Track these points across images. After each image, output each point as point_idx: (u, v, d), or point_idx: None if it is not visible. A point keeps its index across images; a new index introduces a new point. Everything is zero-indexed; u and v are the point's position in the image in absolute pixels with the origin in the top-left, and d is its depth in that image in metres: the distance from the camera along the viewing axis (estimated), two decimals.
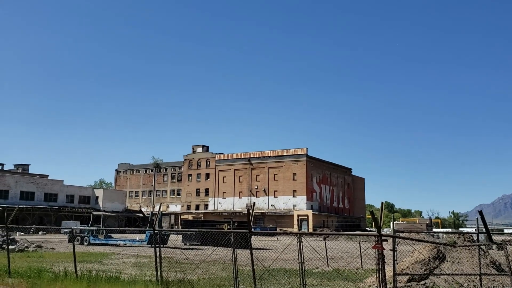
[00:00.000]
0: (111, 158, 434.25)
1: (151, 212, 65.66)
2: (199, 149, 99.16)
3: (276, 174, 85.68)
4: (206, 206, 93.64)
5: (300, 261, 10.35)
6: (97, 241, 36.33)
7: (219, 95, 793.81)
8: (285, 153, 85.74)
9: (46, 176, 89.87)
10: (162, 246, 13.40)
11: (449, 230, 71.88)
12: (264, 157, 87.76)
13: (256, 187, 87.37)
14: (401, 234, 20.23)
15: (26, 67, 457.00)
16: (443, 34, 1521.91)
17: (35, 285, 12.67)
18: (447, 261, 12.14)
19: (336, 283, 14.36)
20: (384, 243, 9.22)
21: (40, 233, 55.53)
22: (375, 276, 9.40)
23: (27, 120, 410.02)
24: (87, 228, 39.52)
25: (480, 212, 9.83)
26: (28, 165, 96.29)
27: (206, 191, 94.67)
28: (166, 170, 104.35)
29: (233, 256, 11.32)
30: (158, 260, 12.51)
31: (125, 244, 35.95)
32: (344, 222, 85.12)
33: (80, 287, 12.18)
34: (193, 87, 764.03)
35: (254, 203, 17.59)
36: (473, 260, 11.95)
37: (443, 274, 11.04)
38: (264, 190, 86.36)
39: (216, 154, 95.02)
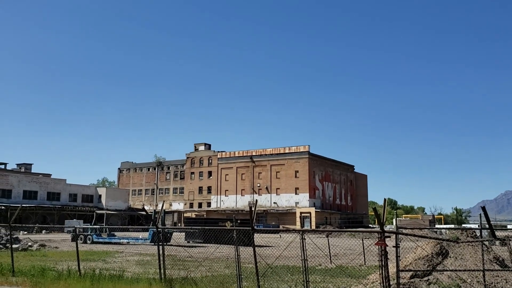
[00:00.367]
0: (113, 157, 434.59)
1: (154, 210, 65.90)
2: (201, 147, 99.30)
3: (279, 172, 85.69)
4: (209, 204, 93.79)
5: (303, 258, 10.35)
6: (100, 240, 36.42)
7: (221, 94, 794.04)
8: (287, 151, 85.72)
9: (49, 175, 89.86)
10: (165, 244, 13.42)
11: (452, 226, 71.72)
12: (266, 154, 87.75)
13: (258, 185, 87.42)
14: (404, 231, 20.23)
15: (28, 66, 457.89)
16: (443, 33, 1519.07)
17: (39, 284, 12.71)
18: (450, 257, 12.12)
19: (339, 279, 14.37)
20: (387, 239, 9.22)
21: (43, 232, 55.71)
22: (378, 273, 9.40)
23: (29, 119, 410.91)
24: (90, 226, 39.56)
25: (483, 208, 9.82)
26: (31, 164, 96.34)
27: (209, 189, 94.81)
28: (168, 168, 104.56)
29: (236, 254, 11.33)
30: (161, 258, 12.53)
31: (128, 243, 36.05)
32: (347, 219, 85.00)
33: (84, 286, 12.20)
34: (195, 85, 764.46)
35: (256, 200, 17.61)
36: (476, 256, 11.92)
37: (446, 270, 11.02)
38: (267, 188, 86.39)
39: (218, 152, 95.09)
